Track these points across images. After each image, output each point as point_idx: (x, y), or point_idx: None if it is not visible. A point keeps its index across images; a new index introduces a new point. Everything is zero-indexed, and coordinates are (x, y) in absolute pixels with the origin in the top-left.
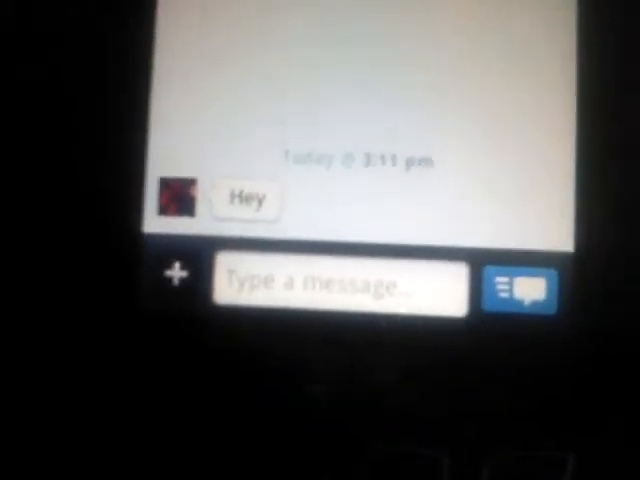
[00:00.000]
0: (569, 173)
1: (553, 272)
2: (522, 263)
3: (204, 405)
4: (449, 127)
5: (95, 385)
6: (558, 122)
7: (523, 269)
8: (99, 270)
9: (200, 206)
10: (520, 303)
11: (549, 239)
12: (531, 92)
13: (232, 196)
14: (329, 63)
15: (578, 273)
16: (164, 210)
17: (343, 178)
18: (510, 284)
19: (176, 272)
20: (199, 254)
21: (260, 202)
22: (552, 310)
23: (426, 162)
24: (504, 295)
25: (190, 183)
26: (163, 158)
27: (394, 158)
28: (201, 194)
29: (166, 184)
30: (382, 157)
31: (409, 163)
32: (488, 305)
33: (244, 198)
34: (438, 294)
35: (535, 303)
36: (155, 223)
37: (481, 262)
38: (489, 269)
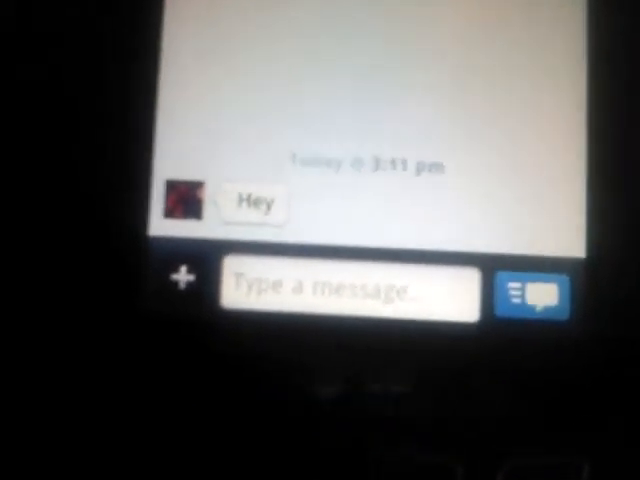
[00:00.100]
0: (581, 179)
1: (565, 278)
2: (534, 269)
3: (210, 408)
4: (460, 132)
5: (100, 388)
6: (570, 127)
7: (535, 275)
8: (104, 273)
9: (207, 209)
10: (532, 309)
11: (561, 245)
12: (543, 97)
13: (240, 199)
14: (339, 67)
15: (590, 279)
16: (170, 213)
17: (352, 182)
18: (522, 290)
19: (182, 276)
20: (206, 257)
21: (268, 206)
22: (564, 316)
23: (437, 167)
24: (516, 301)
25: (197, 186)
26: (170, 160)
27: (404, 163)
28: (208, 197)
29: (173, 186)
30: (392, 161)
31: (419, 168)
32: (500, 311)
33: (252, 201)
34: (450, 299)
35: (547, 309)
36: (161, 226)
37: (493, 267)
38: (501, 275)
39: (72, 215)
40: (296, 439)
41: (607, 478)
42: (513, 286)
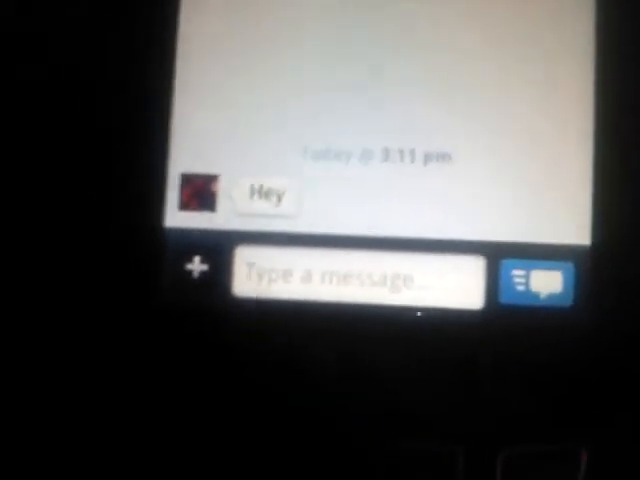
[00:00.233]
0: (586, 167)
1: (570, 265)
2: (539, 256)
3: (223, 396)
4: (467, 122)
5: (116, 378)
6: (575, 116)
7: (540, 262)
8: (120, 263)
9: (221, 201)
10: (536, 296)
11: (566, 232)
12: (549, 86)
13: (252, 192)
14: (347, 59)
15: (594, 266)
16: (185, 205)
17: (361, 173)
18: (527, 277)
19: (196, 266)
20: (219, 248)
21: (279, 197)
22: (568, 303)
23: (444, 157)
24: (521, 288)
25: (212, 179)
26: (185, 155)
27: (412, 153)
28: (222, 190)
29: (188, 180)
30: (400, 152)
31: (427, 158)
32: (505, 298)
33: (264, 193)
34: (455, 287)
35: (551, 296)
36: (176, 218)
37: (498, 255)
38: (506, 262)
39: (89, 208)
40: (305, 426)
41: (607, 465)
42: (517, 273)
